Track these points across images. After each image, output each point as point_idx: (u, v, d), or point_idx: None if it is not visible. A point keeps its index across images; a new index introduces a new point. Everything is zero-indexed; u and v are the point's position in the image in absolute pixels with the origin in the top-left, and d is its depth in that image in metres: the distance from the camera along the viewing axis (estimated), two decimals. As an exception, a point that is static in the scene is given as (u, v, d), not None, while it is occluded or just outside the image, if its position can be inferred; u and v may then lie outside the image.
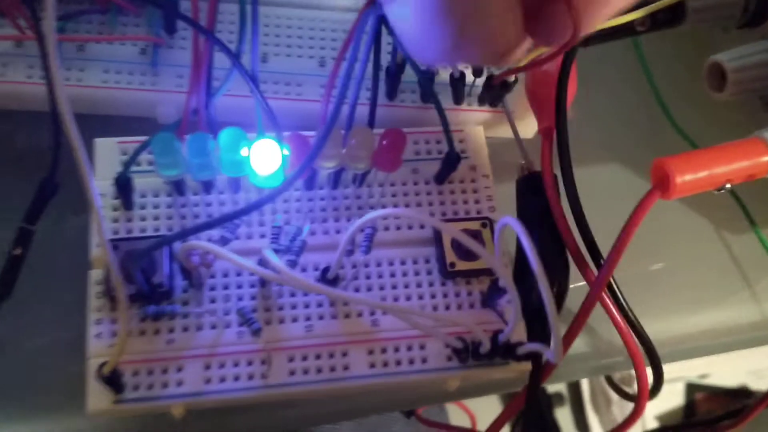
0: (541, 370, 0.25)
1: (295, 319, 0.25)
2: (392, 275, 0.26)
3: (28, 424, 0.26)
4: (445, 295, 0.26)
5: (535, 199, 0.28)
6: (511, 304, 0.24)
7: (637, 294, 0.27)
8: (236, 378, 0.24)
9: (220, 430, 0.26)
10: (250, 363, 0.24)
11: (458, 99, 0.29)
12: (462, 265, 0.26)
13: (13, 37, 0.28)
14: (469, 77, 0.29)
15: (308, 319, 0.25)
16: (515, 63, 0.25)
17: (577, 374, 0.33)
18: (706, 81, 0.30)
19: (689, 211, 0.33)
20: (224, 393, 0.24)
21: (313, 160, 0.22)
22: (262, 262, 0.23)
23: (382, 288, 0.26)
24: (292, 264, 0.24)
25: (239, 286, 0.25)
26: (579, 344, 0.28)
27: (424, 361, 0.25)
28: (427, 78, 0.28)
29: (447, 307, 0.26)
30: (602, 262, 0.26)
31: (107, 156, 0.26)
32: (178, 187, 0.25)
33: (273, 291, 0.25)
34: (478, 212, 0.27)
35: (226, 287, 0.25)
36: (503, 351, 0.24)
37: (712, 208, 0.33)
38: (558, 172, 0.27)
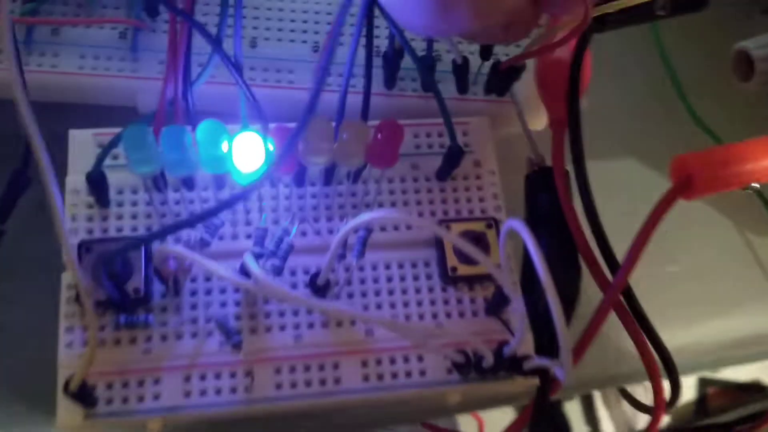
0: (549, 386, 0.23)
1: (282, 328, 0.23)
2: (389, 280, 0.24)
3: (-3, 436, 0.24)
4: (445, 302, 0.24)
5: (545, 197, 0.25)
6: (517, 313, 0.22)
7: (650, 298, 0.25)
8: (218, 391, 0.22)
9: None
10: (233, 375, 0.22)
11: (462, 87, 0.27)
12: (464, 270, 0.24)
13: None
14: (474, 64, 0.27)
15: (297, 327, 0.23)
16: (522, 39, 0.23)
17: (588, 387, 0.31)
18: (732, 70, 0.28)
19: (709, 210, 0.31)
20: (205, 407, 0.22)
21: (291, 150, 0.20)
22: (243, 269, 0.21)
23: (377, 294, 0.24)
24: (278, 270, 0.22)
25: (222, 291, 0.23)
26: (590, 353, 0.26)
27: (422, 373, 0.23)
28: (426, 64, 0.26)
29: (448, 315, 0.24)
30: (617, 265, 0.24)
31: (82, 149, 0.24)
32: (157, 184, 0.23)
33: (259, 297, 0.23)
34: (483, 212, 0.25)
35: (208, 292, 0.23)
36: (508, 365, 0.22)
37: (734, 207, 0.31)
38: (570, 167, 0.25)
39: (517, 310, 0.19)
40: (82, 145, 0.24)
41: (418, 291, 0.24)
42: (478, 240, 0.24)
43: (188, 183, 0.23)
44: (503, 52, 0.28)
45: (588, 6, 0.15)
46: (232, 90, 0.24)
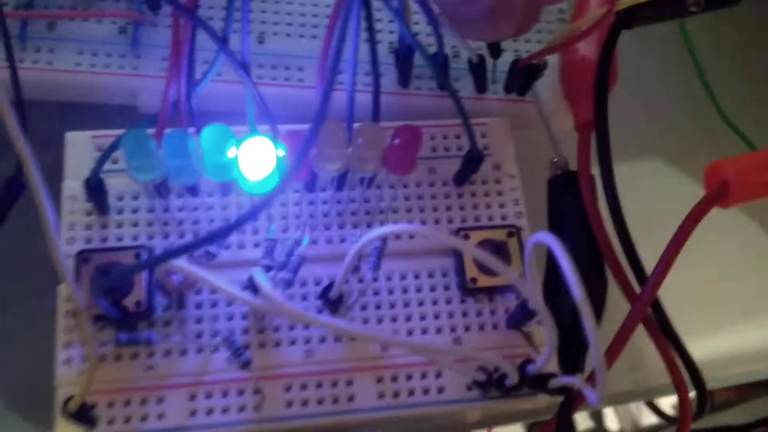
0: (573, 404, 0.22)
1: (292, 342, 0.22)
2: (404, 291, 0.23)
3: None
4: (464, 314, 0.23)
5: (570, 203, 0.24)
6: (543, 329, 0.20)
7: (675, 305, 0.24)
8: (225, 410, 0.21)
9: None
10: (241, 393, 0.21)
11: (481, 86, 0.26)
12: (485, 281, 0.23)
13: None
14: (492, 62, 0.25)
15: (308, 342, 0.22)
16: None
17: (613, 401, 0.29)
18: None
19: (737, 213, 0.29)
20: (212, 427, 0.21)
21: (303, 158, 0.18)
22: (251, 282, 0.19)
23: (392, 306, 0.23)
24: (288, 283, 0.21)
25: (229, 304, 0.22)
26: (615, 367, 0.25)
27: (440, 391, 0.22)
28: (438, 62, 0.24)
29: (467, 328, 0.23)
30: (644, 276, 0.23)
31: (80, 152, 0.23)
32: (159, 190, 0.22)
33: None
34: (503, 218, 0.24)
35: (213, 305, 0.22)
36: (532, 383, 0.21)
37: (762, 211, 0.29)
38: (596, 172, 0.24)
39: (546, 327, 0.18)
40: (80, 148, 0.23)
41: (435, 303, 0.23)
42: (499, 250, 0.23)
43: (192, 189, 0.22)
44: (525, 49, 0.27)
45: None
46: (239, 88, 0.23)
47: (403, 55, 0.25)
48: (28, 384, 0.23)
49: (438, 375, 0.22)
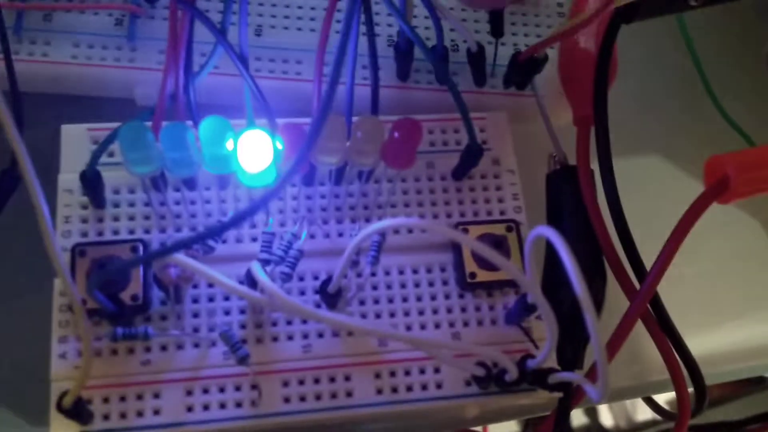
0: (571, 399, 0.22)
1: (290, 337, 0.22)
2: (402, 286, 0.23)
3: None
4: (463, 309, 0.23)
5: (569, 198, 0.24)
6: (543, 324, 0.20)
7: (671, 301, 0.23)
8: (222, 405, 0.21)
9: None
10: (238, 388, 0.21)
11: (479, 80, 0.26)
12: (484, 276, 0.22)
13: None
14: (491, 55, 0.25)
15: (306, 336, 0.22)
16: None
17: (611, 397, 0.29)
18: (766, 66, 0.26)
19: (735, 209, 0.29)
20: (208, 423, 0.21)
21: (308, 154, 0.18)
22: (249, 276, 0.19)
23: (390, 301, 0.23)
24: (287, 278, 0.21)
25: (226, 298, 0.22)
26: (613, 363, 0.25)
27: (438, 386, 0.22)
28: (438, 55, 0.24)
29: (465, 324, 0.23)
30: (644, 272, 0.23)
31: (76, 145, 0.23)
32: (156, 183, 0.22)
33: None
34: (502, 213, 0.24)
35: (211, 299, 0.22)
36: (532, 378, 0.21)
37: (760, 207, 0.29)
38: (595, 167, 0.24)
39: (546, 322, 0.18)
40: (76, 141, 0.23)
41: (433, 298, 0.23)
42: (498, 244, 0.23)
43: (189, 182, 0.22)
44: (524, 43, 0.27)
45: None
46: (237, 81, 0.23)
47: (403, 48, 0.25)
48: (24, 379, 0.23)
49: (436, 370, 0.22)
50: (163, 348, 0.21)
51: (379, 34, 0.26)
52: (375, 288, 0.23)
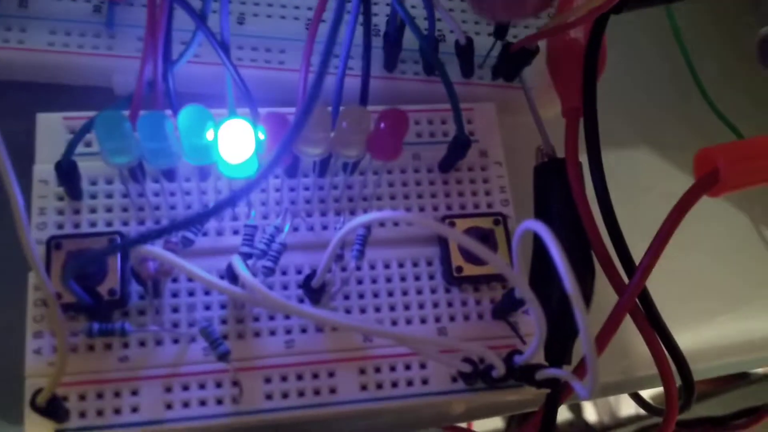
0: (559, 396, 0.22)
1: (272, 332, 0.21)
2: (388, 280, 0.22)
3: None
4: (449, 304, 0.22)
5: (557, 191, 0.24)
6: (531, 319, 0.20)
7: (659, 295, 0.23)
8: (202, 402, 0.20)
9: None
10: (219, 385, 0.21)
11: (467, 71, 0.25)
12: (470, 270, 0.22)
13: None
14: (480, 46, 0.25)
15: (288, 332, 0.21)
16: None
17: (600, 394, 0.29)
18: (757, 57, 0.26)
19: (722, 204, 0.29)
20: (188, 420, 0.20)
21: (291, 145, 0.17)
22: (230, 270, 0.19)
23: (376, 295, 0.22)
24: (269, 272, 0.20)
25: (207, 292, 0.21)
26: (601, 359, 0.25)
27: (424, 382, 0.21)
28: (430, 45, 0.24)
29: (452, 318, 0.22)
30: (633, 266, 0.23)
31: (52, 135, 0.22)
32: (134, 174, 0.21)
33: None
34: (490, 206, 0.24)
35: (191, 293, 0.21)
36: (519, 375, 0.20)
37: (749, 201, 0.29)
38: (583, 159, 0.23)
39: (535, 316, 0.18)
40: (51, 130, 0.22)
41: (419, 292, 0.22)
42: (485, 238, 0.22)
43: (169, 173, 0.21)
44: (512, 35, 0.26)
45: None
46: (218, 70, 0.22)
47: (392, 38, 0.24)
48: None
49: (422, 366, 0.21)
50: (142, 344, 0.21)
51: (375, 24, 0.25)
52: (360, 282, 0.22)
